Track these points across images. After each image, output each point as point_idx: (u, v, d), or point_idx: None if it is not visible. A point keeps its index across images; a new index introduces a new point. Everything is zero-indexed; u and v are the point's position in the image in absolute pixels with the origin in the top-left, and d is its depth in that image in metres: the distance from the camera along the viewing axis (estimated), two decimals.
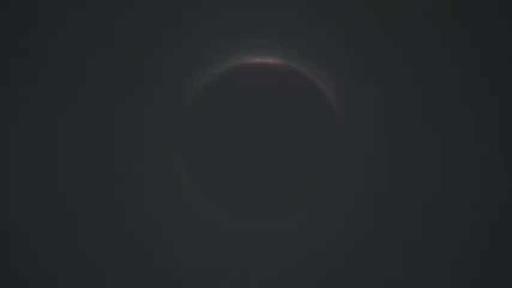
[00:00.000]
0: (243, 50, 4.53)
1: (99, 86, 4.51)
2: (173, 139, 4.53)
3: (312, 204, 4.52)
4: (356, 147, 4.52)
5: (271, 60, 4.54)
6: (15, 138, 4.47)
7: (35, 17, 4.49)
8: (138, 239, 4.46)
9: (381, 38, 4.50)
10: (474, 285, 4.43)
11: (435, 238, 4.46)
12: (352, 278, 4.45)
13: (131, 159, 4.49)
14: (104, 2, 4.50)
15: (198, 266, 4.47)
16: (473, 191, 4.47)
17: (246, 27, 4.52)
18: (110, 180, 4.47)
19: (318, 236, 4.49)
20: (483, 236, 4.45)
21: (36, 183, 4.46)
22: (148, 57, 4.51)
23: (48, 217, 4.45)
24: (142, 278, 4.45)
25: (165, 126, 4.52)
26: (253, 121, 4.51)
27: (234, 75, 4.52)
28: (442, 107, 4.51)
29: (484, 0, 4.49)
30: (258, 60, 4.54)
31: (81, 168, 4.47)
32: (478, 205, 4.46)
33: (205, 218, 4.52)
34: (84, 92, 4.50)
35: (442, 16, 4.50)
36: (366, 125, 4.52)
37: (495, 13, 4.50)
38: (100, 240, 4.45)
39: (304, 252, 4.47)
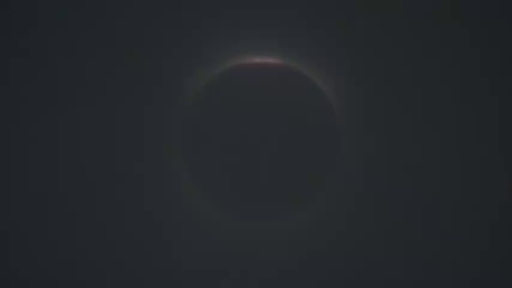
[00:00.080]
0: (243, 50, 4.53)
1: (99, 86, 4.51)
2: (173, 139, 4.53)
3: (312, 204, 4.52)
4: (356, 147, 4.52)
5: (271, 60, 4.54)
6: (15, 138, 4.47)
7: (35, 17, 4.49)
8: (138, 239, 4.46)
9: (380, 38, 4.50)
10: (474, 285, 4.43)
11: (435, 238, 4.46)
12: (352, 278, 4.45)
13: (131, 159, 4.49)
14: (104, 2, 4.50)
15: (198, 266, 4.47)
16: (473, 191, 4.47)
17: (246, 27, 4.52)
18: (110, 180, 4.47)
19: (318, 236, 4.49)
20: (483, 236, 4.45)
21: (36, 183, 4.47)
22: (148, 57, 4.51)
23: (48, 217, 4.45)
24: (142, 278, 4.45)
25: (165, 126, 4.52)
26: (253, 121, 4.51)
27: (234, 75, 4.53)
28: (442, 107, 4.51)
29: (484, 0, 4.49)
30: (258, 60, 4.54)
31: (81, 168, 4.47)
32: (478, 205, 4.46)
33: (205, 218, 4.52)
34: (84, 92, 4.50)
35: (442, 16, 4.50)
36: (366, 125, 4.52)
37: (495, 13, 4.50)
38: (100, 240, 4.45)
39: (304, 252, 4.47)
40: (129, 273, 4.45)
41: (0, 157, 4.46)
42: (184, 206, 4.51)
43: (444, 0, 4.50)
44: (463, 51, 4.51)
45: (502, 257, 4.44)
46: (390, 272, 4.45)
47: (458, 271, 4.44)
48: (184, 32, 4.51)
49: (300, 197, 4.51)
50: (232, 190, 4.51)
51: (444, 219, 4.46)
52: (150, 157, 4.50)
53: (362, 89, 4.53)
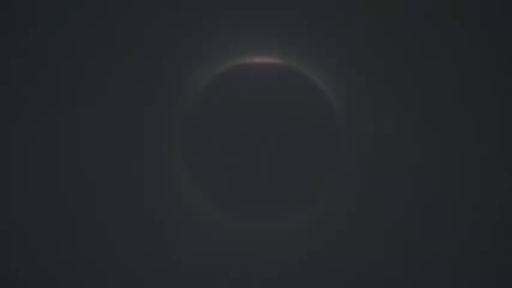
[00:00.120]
0: (243, 50, 4.53)
1: (99, 86, 4.51)
2: (173, 139, 4.53)
3: (312, 204, 4.52)
4: (356, 147, 4.52)
5: (271, 60, 4.54)
6: (15, 138, 4.47)
7: (35, 17, 4.49)
8: (138, 239, 4.46)
9: (381, 38, 4.50)
10: (474, 285, 4.43)
11: (435, 238, 4.46)
12: (352, 278, 4.45)
13: (131, 159, 4.49)
14: (104, 2, 4.50)
15: (198, 266, 4.47)
16: (473, 191, 4.47)
17: (246, 27, 4.52)
18: (110, 180, 4.47)
19: (318, 236, 4.49)
20: (483, 236, 4.45)
21: (36, 183, 4.47)
22: (148, 57, 4.51)
23: (48, 217, 4.45)
24: (143, 278, 4.45)
25: (165, 126, 4.52)
26: (253, 121, 4.51)
27: (234, 75, 4.53)
28: (442, 106, 4.51)
29: (484, 0, 4.49)
30: (258, 60, 4.54)
31: (81, 168, 4.47)
32: (478, 205, 4.46)
33: (205, 218, 4.52)
34: (84, 92, 4.50)
35: (442, 16, 4.50)
36: (366, 125, 4.52)
37: (495, 13, 4.50)
38: (100, 240, 4.45)
39: (304, 252, 4.47)
40: (129, 273, 4.45)
41: (0, 157, 4.46)
42: (184, 206, 4.51)
43: (444, 0, 4.50)
44: (463, 51, 4.51)
45: (502, 257, 4.44)
46: (390, 272, 4.45)
47: (458, 271, 4.44)
48: (184, 32, 4.51)
49: (300, 197, 4.51)
50: (232, 190, 4.51)
51: (444, 219, 4.46)
52: (150, 157, 4.50)
53: (362, 89, 4.53)
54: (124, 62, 4.51)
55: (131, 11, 4.50)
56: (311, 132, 4.52)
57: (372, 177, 4.50)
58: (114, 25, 4.50)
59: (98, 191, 4.47)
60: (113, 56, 4.50)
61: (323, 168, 4.52)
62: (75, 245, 4.45)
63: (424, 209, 4.47)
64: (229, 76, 4.53)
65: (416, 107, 4.51)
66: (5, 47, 4.49)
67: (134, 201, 4.48)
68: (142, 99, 4.51)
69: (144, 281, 4.45)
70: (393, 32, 4.50)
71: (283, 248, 4.48)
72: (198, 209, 4.52)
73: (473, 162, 4.48)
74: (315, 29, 4.51)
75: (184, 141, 4.53)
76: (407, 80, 4.51)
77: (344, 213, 4.50)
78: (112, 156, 4.49)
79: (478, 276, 4.43)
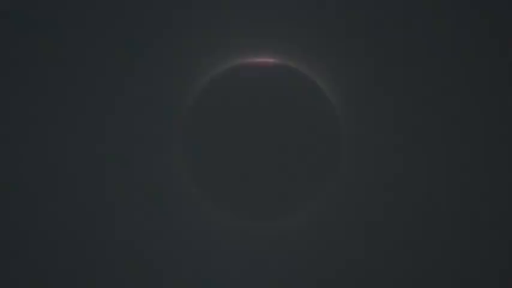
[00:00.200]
0: (243, 50, 4.53)
1: (99, 86, 4.51)
2: (173, 139, 4.53)
3: (312, 204, 4.52)
4: (356, 147, 4.52)
5: (271, 60, 4.54)
6: (14, 138, 4.48)
7: (35, 16, 4.49)
8: (138, 239, 4.46)
9: (381, 38, 4.50)
10: (474, 285, 4.43)
11: (435, 238, 4.46)
12: (353, 278, 4.45)
13: (131, 160, 4.49)
14: (104, 2, 4.49)
15: (198, 266, 4.47)
16: (473, 192, 4.47)
17: (246, 27, 4.52)
18: (109, 180, 4.47)
19: (318, 236, 4.49)
20: (483, 237, 4.45)
21: (36, 183, 4.47)
22: (148, 58, 4.51)
23: (48, 217, 4.46)
24: (143, 278, 4.45)
25: (165, 126, 4.52)
26: (253, 121, 4.50)
27: (234, 75, 4.52)
28: (443, 107, 4.51)
29: (484, 0, 4.48)
30: (258, 60, 4.54)
31: (80, 169, 4.47)
32: (478, 205, 4.46)
33: (205, 218, 4.52)
34: (85, 92, 4.50)
35: (442, 16, 4.50)
36: (366, 125, 4.52)
37: (495, 13, 4.49)
38: (100, 240, 4.45)
39: (304, 252, 4.47)
40: (129, 273, 4.45)
41: None
42: (184, 206, 4.51)
43: (444, 1, 4.49)
44: (463, 51, 4.51)
45: (502, 257, 4.44)
46: (390, 272, 4.45)
47: (458, 271, 4.44)
48: (184, 32, 4.51)
49: (300, 197, 4.51)
50: (232, 190, 4.51)
51: (444, 220, 4.46)
52: (150, 157, 4.50)
53: (362, 89, 4.53)
54: (124, 62, 4.50)
55: (131, 11, 4.50)
56: (311, 132, 4.52)
57: (372, 177, 4.50)
58: (115, 25, 4.50)
59: (97, 191, 4.47)
60: (113, 56, 4.50)
61: (323, 168, 4.52)
62: (75, 245, 4.45)
63: (424, 209, 4.47)
64: (229, 76, 4.53)
65: (417, 106, 4.51)
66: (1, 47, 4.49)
67: (134, 201, 4.48)
68: (142, 99, 4.51)
69: (144, 281, 4.45)
70: (393, 32, 4.50)
71: (283, 248, 4.49)
72: (198, 209, 4.52)
73: (474, 163, 4.48)
74: (315, 29, 4.51)
75: (184, 141, 4.53)
76: (408, 80, 4.51)
77: (344, 213, 4.50)
78: (112, 156, 4.49)
79: (478, 276, 4.43)
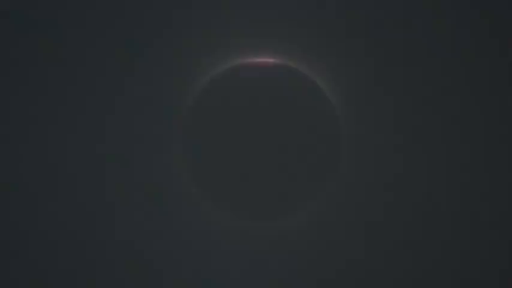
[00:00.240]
0: (243, 50, 4.52)
1: (99, 86, 4.51)
2: (173, 139, 4.53)
3: (312, 204, 4.52)
4: (356, 147, 4.52)
5: (271, 60, 4.54)
6: (14, 138, 4.47)
7: (35, 16, 4.49)
8: (138, 239, 4.46)
9: (381, 38, 4.50)
10: (474, 285, 4.43)
11: (435, 238, 4.46)
12: (353, 278, 4.45)
13: (131, 160, 4.49)
14: (104, 2, 4.49)
15: (198, 266, 4.47)
16: (473, 192, 4.47)
17: (246, 27, 4.52)
18: (109, 180, 4.47)
19: (318, 236, 4.49)
20: (483, 237, 4.45)
21: (36, 183, 4.46)
22: (148, 58, 4.51)
23: (48, 217, 4.46)
24: (143, 278, 4.45)
25: (165, 126, 4.52)
26: (253, 121, 4.50)
27: (234, 75, 4.52)
28: (443, 107, 4.51)
29: (484, 0, 4.48)
30: (258, 60, 4.54)
31: (80, 169, 4.47)
32: (478, 205, 4.46)
33: (205, 218, 4.52)
34: (85, 92, 4.50)
35: (442, 16, 4.50)
36: (366, 125, 4.52)
37: (495, 13, 4.49)
38: (100, 240, 4.45)
39: (304, 252, 4.47)
40: (129, 273, 4.45)
41: None
42: (184, 206, 4.51)
43: (444, 0, 4.49)
44: (463, 51, 4.51)
45: (502, 257, 4.44)
46: (391, 272, 4.45)
47: (458, 271, 4.44)
48: (184, 32, 4.51)
49: (300, 197, 4.51)
50: (232, 190, 4.51)
51: (444, 220, 4.46)
52: (150, 157, 4.50)
53: (362, 89, 4.53)
54: (124, 62, 4.50)
55: (131, 11, 4.50)
56: (311, 131, 4.52)
57: (372, 177, 4.50)
58: (115, 26, 4.50)
59: (97, 192, 4.47)
60: (114, 56, 4.50)
61: (323, 168, 4.52)
62: (75, 245, 4.45)
63: (424, 209, 4.47)
64: (229, 76, 4.53)
65: (417, 106, 4.51)
66: (1, 48, 4.49)
67: (134, 201, 4.48)
68: (142, 99, 4.51)
69: (144, 280, 4.45)
70: (394, 32, 4.50)
71: (283, 248, 4.49)
72: (198, 209, 4.52)
73: (475, 163, 4.48)
74: (315, 29, 4.51)
75: (184, 141, 4.53)
76: (408, 80, 4.51)
77: (344, 213, 4.50)
78: (112, 157, 4.49)
79: (478, 276, 4.43)
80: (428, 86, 4.51)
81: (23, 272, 4.43)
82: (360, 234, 4.48)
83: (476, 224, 4.46)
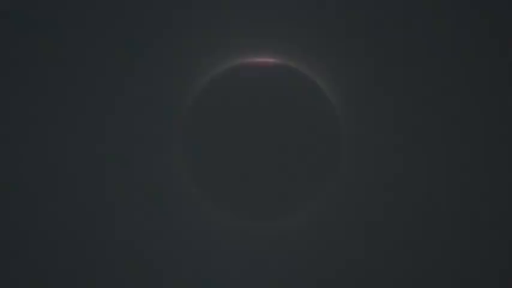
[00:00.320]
0: (243, 50, 4.52)
1: (99, 86, 4.51)
2: (173, 139, 4.53)
3: (312, 204, 4.52)
4: (356, 147, 4.52)
5: (271, 60, 4.54)
6: (14, 138, 4.47)
7: (35, 16, 4.49)
8: (138, 239, 4.46)
9: (381, 38, 4.50)
10: (474, 285, 4.43)
11: (435, 238, 4.46)
12: (353, 278, 4.45)
13: (131, 160, 4.49)
14: (104, 2, 4.49)
15: (198, 266, 4.47)
16: (473, 192, 4.47)
17: (246, 27, 4.52)
18: (109, 180, 4.47)
19: (318, 236, 4.49)
20: (483, 237, 4.45)
21: (36, 184, 4.46)
22: (148, 58, 4.51)
23: (48, 217, 4.45)
24: (143, 278, 4.45)
25: (165, 126, 4.52)
26: (253, 121, 4.50)
27: (234, 75, 4.52)
28: (443, 106, 4.51)
29: (484, 0, 4.48)
30: (258, 60, 4.54)
31: (80, 169, 4.47)
32: (478, 205, 4.46)
33: (205, 218, 4.52)
34: (85, 92, 4.50)
35: (442, 16, 4.50)
36: (366, 125, 4.52)
37: (495, 13, 4.49)
38: (100, 240, 4.45)
39: (304, 252, 4.47)
40: (129, 273, 4.45)
41: None
42: (184, 206, 4.51)
43: (444, 0, 4.49)
44: (463, 51, 4.50)
45: (502, 258, 4.44)
46: (391, 272, 4.45)
47: (458, 271, 4.44)
48: (184, 32, 4.51)
49: (300, 197, 4.51)
50: (232, 190, 4.51)
51: (444, 220, 4.46)
52: (150, 157, 4.50)
53: (362, 89, 4.53)
54: (124, 62, 4.50)
55: (131, 11, 4.50)
56: (311, 131, 4.52)
57: (372, 177, 4.50)
58: (115, 26, 4.50)
59: (97, 192, 4.47)
60: (114, 56, 4.50)
61: (323, 168, 4.52)
62: (74, 245, 4.45)
63: (424, 209, 4.47)
64: (229, 76, 4.53)
65: (417, 107, 4.51)
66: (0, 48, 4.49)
67: (134, 201, 4.48)
68: (142, 99, 4.51)
69: (144, 280, 4.45)
70: (394, 32, 4.50)
71: (283, 248, 4.48)
72: (198, 209, 4.52)
73: (475, 164, 4.48)
74: (315, 29, 4.51)
75: (184, 141, 4.53)
76: (408, 80, 4.51)
77: (344, 213, 4.50)
78: (112, 157, 4.49)
79: (478, 276, 4.43)
80: (428, 86, 4.51)
81: (23, 272, 4.44)
82: (360, 234, 4.48)
83: (476, 224, 4.46)
